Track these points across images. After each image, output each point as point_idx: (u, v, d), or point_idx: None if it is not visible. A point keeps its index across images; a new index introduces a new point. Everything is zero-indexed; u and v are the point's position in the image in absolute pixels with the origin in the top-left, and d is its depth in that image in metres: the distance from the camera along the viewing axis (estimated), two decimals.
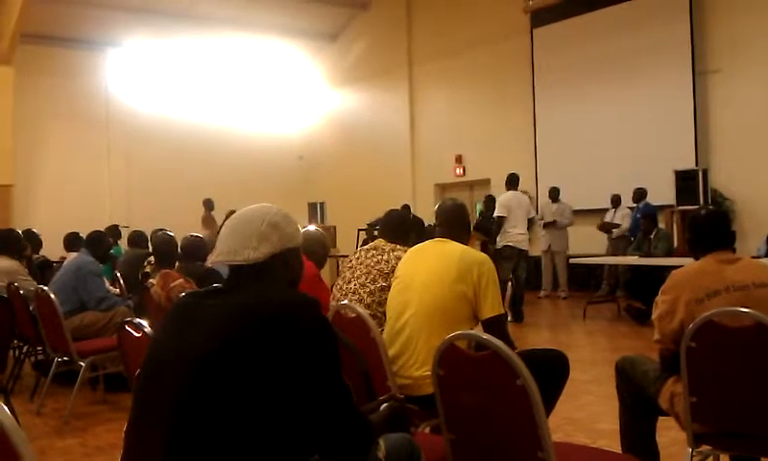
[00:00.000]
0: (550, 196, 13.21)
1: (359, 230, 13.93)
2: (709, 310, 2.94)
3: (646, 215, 10.89)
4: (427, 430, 3.31)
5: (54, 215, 14.36)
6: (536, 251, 12.48)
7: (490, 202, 13.54)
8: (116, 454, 2.08)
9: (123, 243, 10.60)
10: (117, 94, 17.45)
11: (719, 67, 12.23)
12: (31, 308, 6.11)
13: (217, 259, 2.18)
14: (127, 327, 3.13)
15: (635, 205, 11.97)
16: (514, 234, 10.09)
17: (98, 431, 5.37)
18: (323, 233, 4.95)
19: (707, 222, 3.35)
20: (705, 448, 3.10)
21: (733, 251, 3.35)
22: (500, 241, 10.03)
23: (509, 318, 9.81)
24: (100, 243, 6.70)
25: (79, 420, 5.64)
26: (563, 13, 14.18)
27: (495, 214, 10.05)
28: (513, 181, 10.39)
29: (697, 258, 3.32)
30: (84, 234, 7.21)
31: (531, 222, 10.77)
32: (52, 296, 5.62)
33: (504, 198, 10.20)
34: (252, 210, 2.23)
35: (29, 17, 13.52)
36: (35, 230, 9.05)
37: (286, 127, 20.05)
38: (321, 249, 4.69)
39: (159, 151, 17.25)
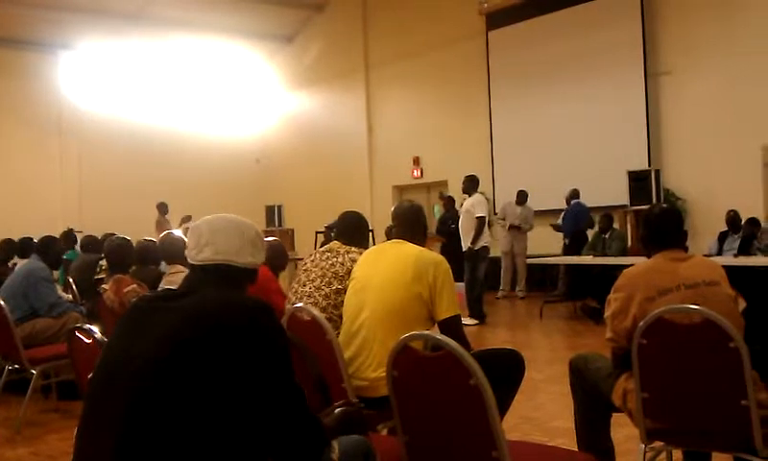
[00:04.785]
0: (518, 199, 13.15)
1: (317, 232, 13.89)
2: (661, 308, 2.98)
3: (576, 214, 11.62)
4: (384, 432, 3.31)
5: (4, 220, 14.06)
6: (495, 251, 12.55)
7: (450, 203, 13.57)
8: None
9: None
10: (70, 97, 17.20)
11: (670, 69, 12.45)
12: None
13: (215, 259, 2.17)
14: (77, 334, 3.07)
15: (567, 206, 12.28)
16: (487, 235, 10.30)
17: (50, 440, 5.27)
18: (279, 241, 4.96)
19: (660, 220, 3.38)
20: (657, 443, 3.14)
21: (686, 249, 3.39)
22: (479, 242, 10.11)
23: (476, 322, 9.93)
24: (51, 248, 6.57)
25: (30, 428, 5.53)
26: (517, 16, 14.31)
27: (479, 215, 10.06)
28: (477, 183, 10.52)
29: (650, 256, 3.36)
30: (36, 239, 7.07)
31: None
32: (1, 302, 5.51)
33: (481, 199, 10.36)
34: (234, 217, 2.27)
35: None
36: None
37: (243, 129, 19.92)
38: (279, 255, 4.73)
39: (113, 154, 17.00)
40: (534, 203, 13.19)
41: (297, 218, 16.51)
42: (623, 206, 11.27)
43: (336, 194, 16.59)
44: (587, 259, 10.28)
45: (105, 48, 17.27)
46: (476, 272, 10.10)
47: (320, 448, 2.10)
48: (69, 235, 10.77)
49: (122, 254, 5.98)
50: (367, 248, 4.03)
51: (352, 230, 4.25)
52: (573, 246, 11.68)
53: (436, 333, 2.75)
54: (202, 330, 1.93)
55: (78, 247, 10.64)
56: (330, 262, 3.97)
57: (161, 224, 14.61)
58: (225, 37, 18.11)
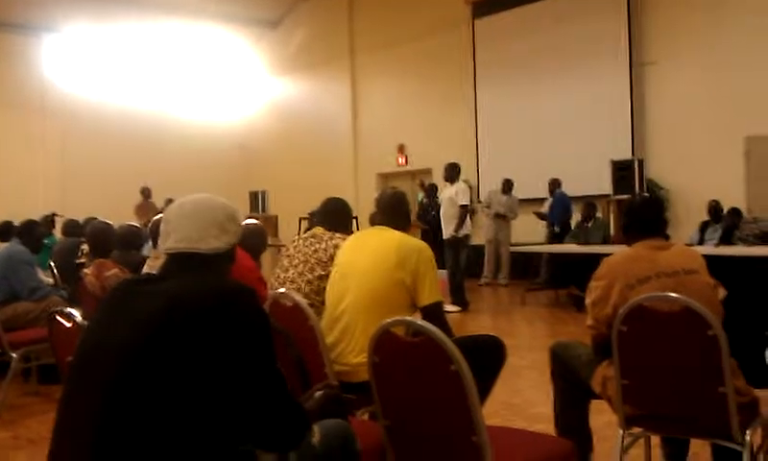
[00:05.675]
0: (503, 187, 13.16)
1: (301, 218, 13.86)
2: (641, 295, 3.00)
3: (559, 203, 11.95)
4: (365, 416, 3.32)
5: None
6: (478, 239, 12.58)
7: (432, 191, 13.60)
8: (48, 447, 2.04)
9: (57, 233, 10.36)
10: (54, 80, 17.04)
11: (655, 59, 12.48)
12: None
13: (177, 247, 2.12)
14: (57, 317, 3.05)
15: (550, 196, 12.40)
16: (468, 223, 10.38)
17: (30, 423, 5.26)
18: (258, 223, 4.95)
19: (640, 208, 3.41)
20: (636, 429, 3.16)
21: (666, 238, 3.41)
22: (463, 230, 10.17)
23: (459, 309, 9.99)
24: (32, 232, 6.53)
25: (10, 412, 5.52)
26: (503, 5, 14.31)
27: (464, 203, 10.15)
28: (459, 171, 10.57)
29: (630, 244, 3.38)
30: (16, 223, 7.04)
31: None
32: None
33: (464, 187, 10.46)
34: (205, 198, 2.21)
35: None
36: None
37: (227, 115, 19.83)
38: (257, 239, 4.70)
39: (97, 138, 16.88)
40: (517, 191, 13.22)
41: (280, 204, 16.44)
42: (606, 196, 11.32)
43: (320, 181, 16.52)
44: (569, 248, 10.33)
45: (89, 31, 17.11)
46: (458, 259, 10.17)
47: (301, 432, 2.11)
48: (48, 220, 10.72)
49: (103, 239, 5.95)
50: (350, 234, 4.03)
51: (335, 216, 4.25)
52: (562, 234, 11.79)
53: (417, 319, 2.75)
54: (179, 314, 1.92)
55: (56, 232, 10.60)
56: (314, 248, 3.97)
57: (142, 207, 14.52)
58: (210, 22, 17.99)
